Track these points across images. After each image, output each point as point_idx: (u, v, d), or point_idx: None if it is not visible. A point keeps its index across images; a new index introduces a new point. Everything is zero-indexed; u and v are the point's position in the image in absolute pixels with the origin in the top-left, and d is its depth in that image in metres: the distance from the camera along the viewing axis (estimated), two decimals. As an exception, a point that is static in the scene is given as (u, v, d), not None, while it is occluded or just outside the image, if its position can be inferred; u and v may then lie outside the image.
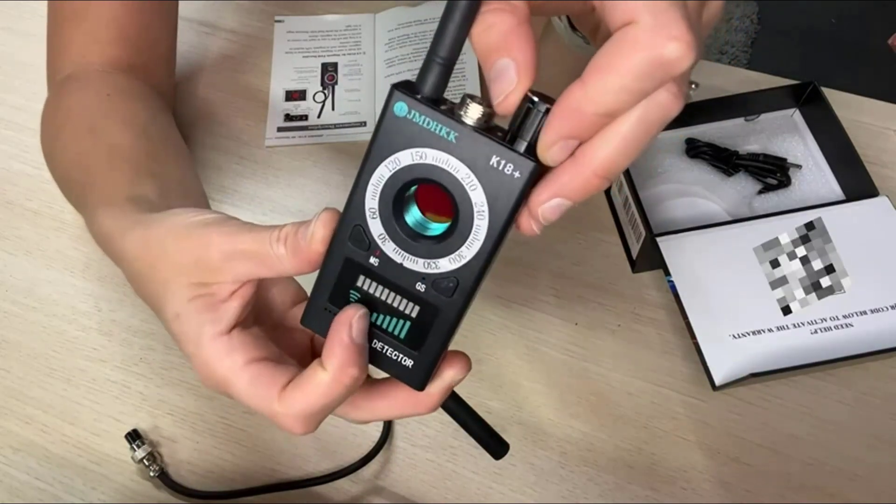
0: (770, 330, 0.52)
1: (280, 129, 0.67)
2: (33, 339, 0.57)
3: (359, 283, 0.31)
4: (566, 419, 0.52)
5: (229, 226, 0.33)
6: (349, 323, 0.31)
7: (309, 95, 0.69)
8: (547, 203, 0.27)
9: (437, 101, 0.28)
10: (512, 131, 0.27)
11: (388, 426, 0.52)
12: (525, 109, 0.27)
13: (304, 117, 0.67)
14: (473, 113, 0.27)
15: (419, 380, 0.33)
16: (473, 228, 0.28)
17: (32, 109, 0.68)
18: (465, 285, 0.30)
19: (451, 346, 0.33)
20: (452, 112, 0.28)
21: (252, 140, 0.66)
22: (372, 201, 0.30)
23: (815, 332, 0.52)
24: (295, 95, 0.69)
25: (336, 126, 0.67)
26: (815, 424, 0.51)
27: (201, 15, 0.75)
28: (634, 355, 0.54)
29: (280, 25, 0.73)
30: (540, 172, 0.27)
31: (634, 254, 0.57)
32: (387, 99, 0.28)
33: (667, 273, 0.54)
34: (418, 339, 0.32)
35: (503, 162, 0.27)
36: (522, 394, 0.53)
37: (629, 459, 0.50)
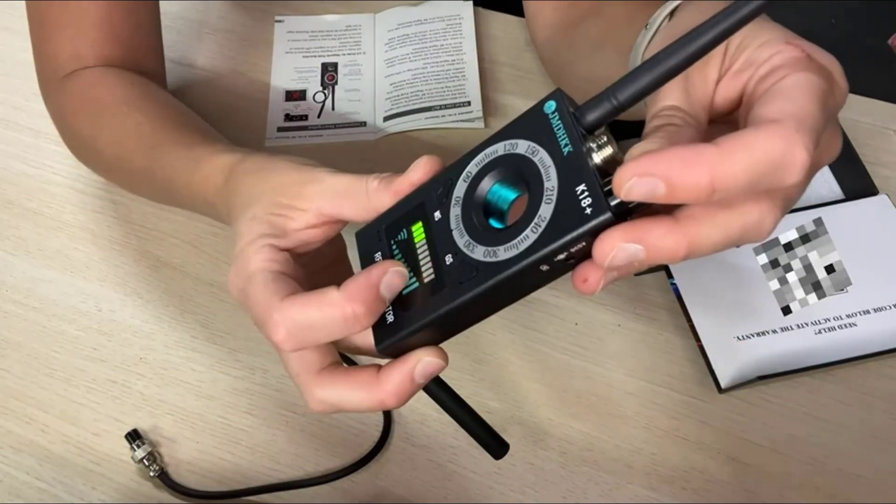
0: (774, 331, 0.52)
1: (280, 129, 0.67)
2: (33, 339, 0.57)
3: (413, 227, 0.33)
4: (566, 419, 0.52)
5: (334, 170, 0.37)
6: (387, 270, 0.32)
7: (309, 95, 0.69)
8: (626, 245, 0.26)
9: (585, 127, 0.29)
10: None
11: (387, 426, 0.52)
12: None
13: (304, 117, 0.67)
14: (603, 149, 0.28)
15: (384, 336, 0.33)
16: (521, 237, 0.29)
17: (32, 109, 0.68)
18: (479, 280, 0.30)
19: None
20: (586, 137, 0.28)
21: (252, 140, 0.66)
22: (473, 167, 0.31)
23: (819, 332, 0.52)
24: (295, 95, 0.69)
25: (336, 126, 0.67)
26: (816, 424, 0.51)
27: (201, 15, 0.75)
28: (635, 355, 0.54)
29: (280, 25, 0.73)
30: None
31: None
32: (548, 94, 0.29)
33: (669, 276, 0.54)
34: (412, 303, 0.32)
35: (586, 195, 0.27)
36: (522, 394, 0.53)
37: (629, 459, 0.50)
